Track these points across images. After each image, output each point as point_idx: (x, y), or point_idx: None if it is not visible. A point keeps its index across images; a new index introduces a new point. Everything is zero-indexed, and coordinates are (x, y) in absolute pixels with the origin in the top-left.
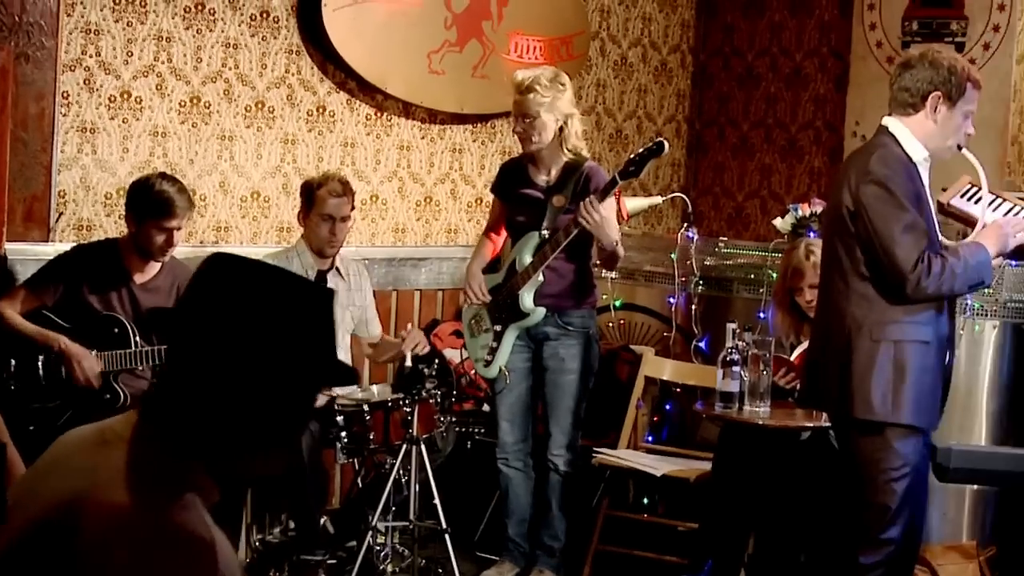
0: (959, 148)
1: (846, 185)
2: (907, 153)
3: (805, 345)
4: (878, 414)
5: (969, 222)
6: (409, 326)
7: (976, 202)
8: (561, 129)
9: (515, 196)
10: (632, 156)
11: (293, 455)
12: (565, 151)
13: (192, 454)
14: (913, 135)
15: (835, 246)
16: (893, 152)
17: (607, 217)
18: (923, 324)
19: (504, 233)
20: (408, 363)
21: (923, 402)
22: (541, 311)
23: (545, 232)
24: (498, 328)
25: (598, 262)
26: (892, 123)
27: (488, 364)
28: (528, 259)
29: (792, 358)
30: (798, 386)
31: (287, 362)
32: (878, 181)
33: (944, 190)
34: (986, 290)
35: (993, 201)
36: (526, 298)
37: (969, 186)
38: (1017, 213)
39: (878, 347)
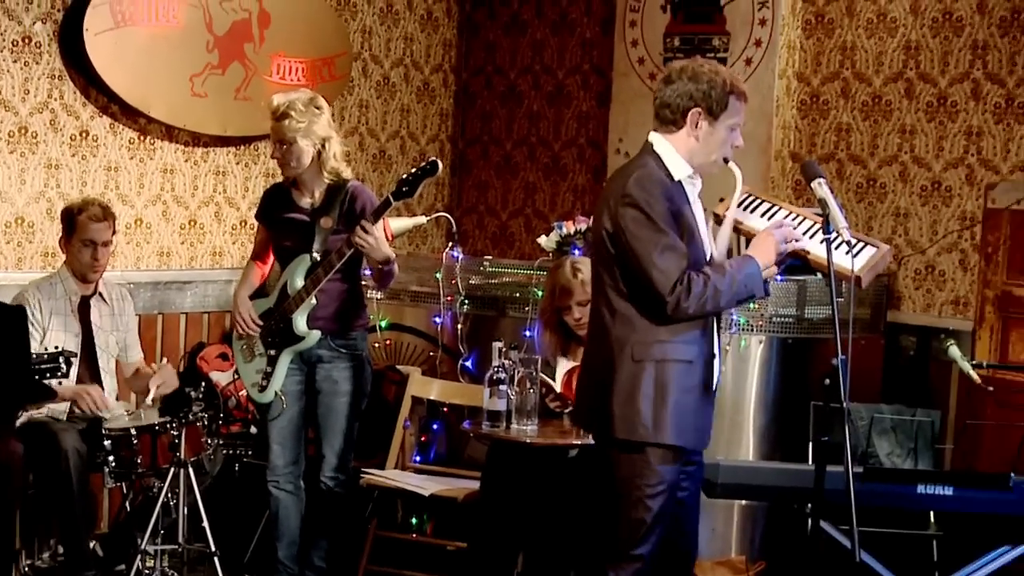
0: (725, 161)
1: (606, 207)
2: (669, 172)
3: (570, 364)
4: (640, 434)
5: (745, 233)
6: (164, 362)
7: (752, 211)
8: (319, 153)
9: (280, 221)
10: (405, 176)
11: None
12: (325, 174)
13: None
14: (676, 152)
15: (599, 267)
16: (652, 173)
17: (380, 237)
18: (686, 343)
19: (271, 258)
20: (149, 401)
21: (685, 422)
22: (316, 334)
23: (316, 255)
24: (272, 352)
25: (366, 282)
26: (656, 140)
27: (263, 389)
28: (300, 282)
29: (557, 376)
30: (567, 409)
31: None
32: (634, 203)
33: (721, 201)
34: (752, 305)
35: (770, 209)
36: (300, 321)
37: (746, 195)
38: (794, 219)
39: (641, 367)
